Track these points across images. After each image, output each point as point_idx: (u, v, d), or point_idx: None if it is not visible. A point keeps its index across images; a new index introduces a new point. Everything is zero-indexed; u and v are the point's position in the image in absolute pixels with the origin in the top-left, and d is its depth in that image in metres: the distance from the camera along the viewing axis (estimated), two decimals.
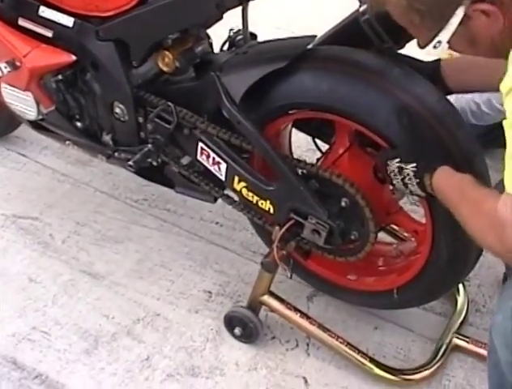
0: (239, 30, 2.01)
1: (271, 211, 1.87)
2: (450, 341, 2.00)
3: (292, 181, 1.80)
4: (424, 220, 1.84)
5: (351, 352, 1.93)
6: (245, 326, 2.00)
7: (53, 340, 2.02)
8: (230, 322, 2.03)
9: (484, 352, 1.94)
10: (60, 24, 1.95)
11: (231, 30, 2.03)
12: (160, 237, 2.34)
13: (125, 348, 2.01)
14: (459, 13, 1.29)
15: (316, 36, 1.83)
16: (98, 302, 2.12)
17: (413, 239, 1.98)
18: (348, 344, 1.93)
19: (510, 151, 1.28)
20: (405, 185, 1.63)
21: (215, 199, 2.06)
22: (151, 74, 1.96)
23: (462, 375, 1.97)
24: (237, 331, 2.01)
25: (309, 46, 1.81)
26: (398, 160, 1.62)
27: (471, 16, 1.29)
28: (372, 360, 1.93)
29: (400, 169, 1.62)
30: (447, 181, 1.53)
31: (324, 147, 2.02)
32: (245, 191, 1.89)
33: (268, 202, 1.87)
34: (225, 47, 2.01)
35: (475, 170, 1.63)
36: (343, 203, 1.79)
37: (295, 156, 1.93)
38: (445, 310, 2.11)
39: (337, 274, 2.03)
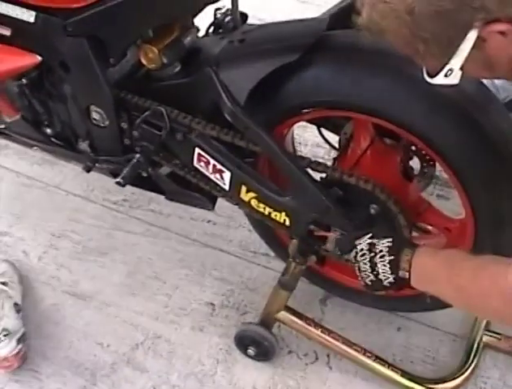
0: (227, 10, 1.74)
1: (287, 223, 1.64)
2: (481, 340, 1.83)
3: (311, 190, 1.56)
4: (455, 216, 1.66)
5: (380, 369, 1.74)
6: (258, 344, 1.80)
7: (45, 380, 1.80)
8: (241, 341, 1.83)
9: None
10: (19, 20, 1.63)
11: (217, 10, 1.76)
12: (147, 243, 2.10)
13: (128, 381, 1.80)
14: (471, 37, 1.08)
15: (327, 17, 1.57)
16: (89, 328, 1.89)
17: (443, 235, 1.77)
18: (377, 358, 1.75)
19: None
20: (373, 265, 1.42)
21: (213, 205, 1.83)
22: (132, 71, 1.68)
23: (497, 375, 1.82)
24: (251, 351, 1.81)
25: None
26: (369, 235, 1.44)
27: (485, 38, 1.09)
28: (404, 373, 1.75)
29: (371, 246, 1.43)
30: (432, 256, 1.36)
31: (330, 137, 1.81)
32: (254, 202, 1.65)
33: (283, 213, 1.63)
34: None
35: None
36: (372, 211, 1.57)
37: (309, 156, 1.70)
38: None
39: (355, 277, 1.82)
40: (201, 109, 1.65)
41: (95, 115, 1.71)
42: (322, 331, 1.77)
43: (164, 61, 1.61)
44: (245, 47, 1.60)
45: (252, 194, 1.64)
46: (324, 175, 1.61)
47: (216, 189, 1.71)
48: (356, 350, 1.76)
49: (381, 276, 1.41)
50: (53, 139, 1.86)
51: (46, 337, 1.87)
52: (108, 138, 1.74)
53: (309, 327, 1.78)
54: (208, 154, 1.64)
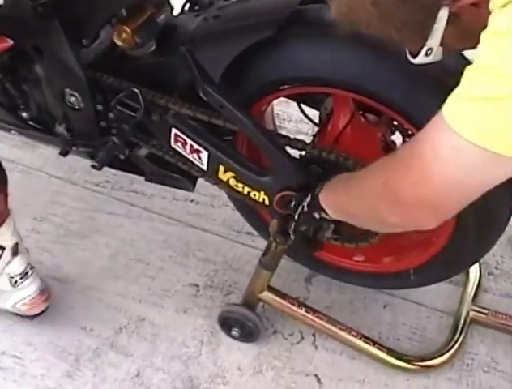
0: None
1: (266, 202, 1.61)
2: (468, 315, 1.82)
3: (289, 168, 1.54)
4: None
5: (366, 347, 1.73)
6: (242, 325, 1.78)
7: (28, 365, 1.77)
8: (225, 322, 1.80)
9: (505, 322, 1.79)
10: None
11: None
12: (130, 224, 2.07)
13: (112, 365, 1.77)
14: (443, 15, 1.06)
15: None
16: (72, 312, 1.86)
17: None
18: (363, 337, 1.73)
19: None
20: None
21: (194, 186, 1.79)
22: (107, 51, 1.63)
23: (484, 351, 1.80)
24: (235, 332, 1.79)
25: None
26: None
27: (458, 13, 1.06)
28: (390, 351, 1.74)
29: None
30: (334, 183, 1.40)
31: (311, 112, 1.78)
32: (233, 182, 1.61)
33: (262, 193, 1.59)
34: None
35: None
36: None
37: (286, 132, 1.67)
38: (456, 278, 1.92)
39: (341, 256, 1.80)
40: (177, 89, 1.62)
41: (69, 98, 1.67)
42: (306, 311, 1.75)
43: (138, 41, 1.57)
44: (220, 24, 1.56)
45: (230, 174, 1.60)
46: (304, 153, 1.57)
47: (195, 169, 1.67)
48: (341, 329, 1.74)
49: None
50: (29, 123, 1.82)
51: (29, 323, 1.83)
52: (84, 120, 1.70)
53: (293, 307, 1.76)
54: (185, 134, 1.61)
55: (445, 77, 1.39)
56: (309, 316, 1.75)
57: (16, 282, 1.74)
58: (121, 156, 1.72)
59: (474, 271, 1.91)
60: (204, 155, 1.61)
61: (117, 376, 1.75)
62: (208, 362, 1.78)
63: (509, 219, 1.58)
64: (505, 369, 1.77)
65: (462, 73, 1.07)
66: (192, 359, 1.79)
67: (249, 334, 1.80)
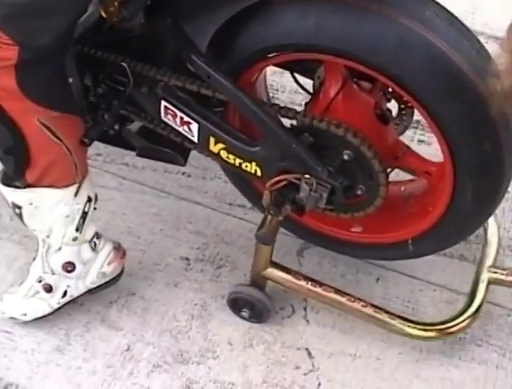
0: None
1: (258, 173, 1.60)
2: (487, 276, 1.76)
3: (280, 138, 1.52)
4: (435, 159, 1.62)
5: (377, 315, 1.69)
6: (252, 306, 1.76)
7: (18, 340, 1.76)
8: (235, 303, 1.79)
9: None
10: None
11: None
12: (121, 197, 2.05)
13: (102, 339, 1.77)
14: None
15: None
16: None
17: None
18: (373, 306, 1.70)
19: None
20: None
21: (185, 160, 1.77)
22: (96, 25, 1.60)
23: (477, 324, 1.78)
24: (245, 313, 1.77)
25: None
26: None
27: None
28: (401, 318, 1.70)
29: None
30: None
31: (305, 82, 1.75)
32: (224, 154, 1.61)
33: (254, 163, 1.59)
34: None
35: None
36: (345, 157, 1.53)
37: (280, 103, 1.64)
38: (449, 250, 1.90)
39: (337, 227, 1.77)
40: (166, 61, 1.59)
41: None
42: (312, 285, 1.72)
43: (125, 14, 1.53)
44: None
45: (221, 146, 1.60)
46: (295, 122, 1.56)
47: (186, 142, 1.66)
48: (349, 300, 1.71)
49: None
50: None
51: None
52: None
53: (299, 282, 1.73)
54: (174, 106, 1.59)
55: (435, 40, 1.39)
56: (317, 289, 1.72)
57: (95, 244, 1.71)
58: (111, 132, 1.71)
59: (494, 231, 1.88)
60: (194, 127, 1.60)
61: (107, 350, 1.75)
62: (198, 336, 1.78)
63: (506, 189, 1.57)
64: (497, 343, 1.76)
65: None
66: (182, 333, 1.78)
67: (259, 314, 1.77)
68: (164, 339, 1.77)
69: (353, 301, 1.72)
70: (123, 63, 1.57)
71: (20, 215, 1.64)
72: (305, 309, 1.82)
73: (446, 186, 1.55)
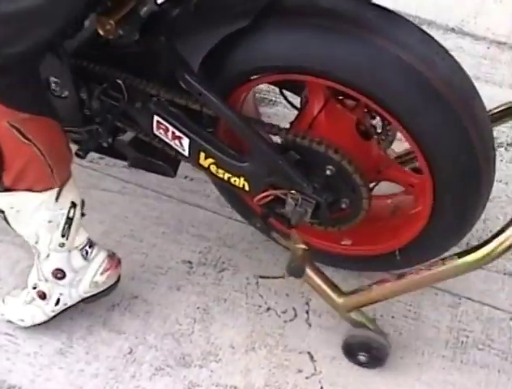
0: None
1: (246, 188, 1.64)
2: None
3: (267, 154, 1.57)
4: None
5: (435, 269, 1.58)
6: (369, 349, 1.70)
7: (21, 343, 1.76)
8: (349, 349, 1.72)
9: None
10: None
11: None
12: (124, 201, 2.05)
13: (104, 343, 1.77)
14: None
15: None
16: None
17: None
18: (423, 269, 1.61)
19: None
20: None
21: (175, 171, 1.81)
22: (91, 40, 1.62)
23: (479, 328, 1.79)
24: (362, 357, 1.71)
25: None
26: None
27: None
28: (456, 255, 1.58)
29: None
30: None
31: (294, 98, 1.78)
32: (213, 168, 1.65)
33: (242, 178, 1.63)
34: None
35: (475, 114, 1.49)
36: (328, 172, 1.56)
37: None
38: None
39: (329, 241, 1.80)
40: (159, 77, 1.62)
41: (54, 86, 1.66)
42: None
43: (121, 32, 1.54)
44: (198, 14, 1.58)
45: (211, 160, 1.64)
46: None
47: (177, 155, 1.70)
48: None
49: None
50: None
51: None
52: (69, 108, 1.70)
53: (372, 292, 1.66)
54: (166, 121, 1.63)
55: (413, 60, 1.44)
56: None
57: (87, 253, 1.69)
58: (105, 144, 1.73)
59: None
60: (185, 141, 1.64)
61: (109, 353, 1.75)
62: (201, 340, 1.78)
63: (486, 200, 1.60)
64: (499, 347, 1.76)
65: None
66: (185, 336, 1.78)
67: (377, 358, 1.70)
68: (166, 342, 1.77)
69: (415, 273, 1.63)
70: (118, 80, 1.61)
71: (6, 220, 1.64)
72: (307, 312, 1.82)
73: (428, 199, 1.58)
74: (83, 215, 1.68)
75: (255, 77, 1.58)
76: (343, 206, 1.62)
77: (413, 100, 1.45)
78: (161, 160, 1.78)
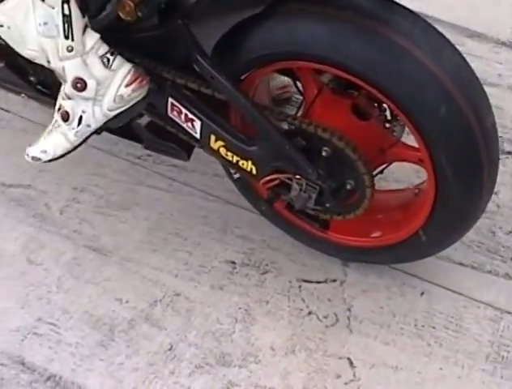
0: None
1: (254, 171, 1.70)
2: None
3: (275, 139, 1.63)
4: None
5: None
6: None
7: (63, 333, 1.78)
8: None
9: None
10: None
11: None
12: (170, 199, 2.07)
13: (145, 337, 1.78)
14: None
15: None
16: (109, 284, 1.87)
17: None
18: None
19: None
20: None
21: (189, 156, 1.86)
22: (112, 23, 1.63)
23: None
24: None
25: None
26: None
27: None
28: None
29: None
30: None
31: None
32: (223, 151, 1.71)
33: (250, 162, 1.69)
34: None
35: (478, 107, 1.52)
36: (323, 153, 1.63)
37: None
38: (495, 269, 1.91)
39: (359, 236, 1.83)
40: (175, 60, 1.66)
41: None
42: None
43: (139, 14, 1.58)
44: (215, 1, 1.61)
45: (220, 143, 1.71)
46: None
47: (189, 138, 1.76)
48: None
49: None
50: (38, 87, 1.85)
51: (66, 291, 1.86)
52: None
53: None
54: (180, 104, 1.69)
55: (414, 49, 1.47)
56: None
57: (108, 60, 1.60)
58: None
59: None
60: (197, 124, 1.70)
61: (150, 349, 1.76)
62: (241, 340, 1.78)
63: (488, 199, 1.64)
64: None
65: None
66: (225, 336, 1.79)
67: None
68: (206, 340, 1.78)
69: None
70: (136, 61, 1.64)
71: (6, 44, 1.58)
72: (348, 318, 1.82)
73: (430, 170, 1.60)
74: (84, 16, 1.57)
75: (267, 63, 1.61)
76: (348, 187, 1.66)
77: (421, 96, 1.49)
78: (175, 144, 1.83)
